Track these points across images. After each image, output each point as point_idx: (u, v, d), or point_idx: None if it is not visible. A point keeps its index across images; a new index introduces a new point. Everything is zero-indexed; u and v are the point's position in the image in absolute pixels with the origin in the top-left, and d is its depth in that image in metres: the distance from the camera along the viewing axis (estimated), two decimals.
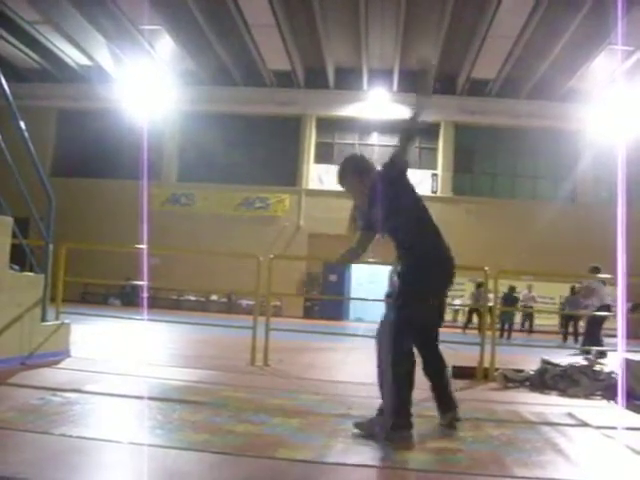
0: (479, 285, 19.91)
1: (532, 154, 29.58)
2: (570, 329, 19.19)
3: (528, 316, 23.05)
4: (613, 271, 9.94)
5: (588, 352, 10.19)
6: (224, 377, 6.61)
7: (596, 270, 12.17)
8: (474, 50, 24.45)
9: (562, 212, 26.45)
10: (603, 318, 12.63)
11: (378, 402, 5.19)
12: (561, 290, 20.28)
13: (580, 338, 17.41)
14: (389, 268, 17.35)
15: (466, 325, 20.86)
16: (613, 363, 7.51)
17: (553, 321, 24.84)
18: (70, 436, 3.70)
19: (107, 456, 3.48)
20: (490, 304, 10.17)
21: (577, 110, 27.01)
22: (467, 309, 22.38)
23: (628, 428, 5.02)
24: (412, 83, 26.12)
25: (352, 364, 9.11)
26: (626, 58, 23.13)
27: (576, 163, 28.15)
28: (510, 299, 19.21)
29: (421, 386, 6.43)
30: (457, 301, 25.37)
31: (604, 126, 25.92)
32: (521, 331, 22.03)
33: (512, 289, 19.51)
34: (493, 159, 30.28)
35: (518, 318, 22.47)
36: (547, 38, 22.58)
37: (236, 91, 28.98)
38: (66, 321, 7.53)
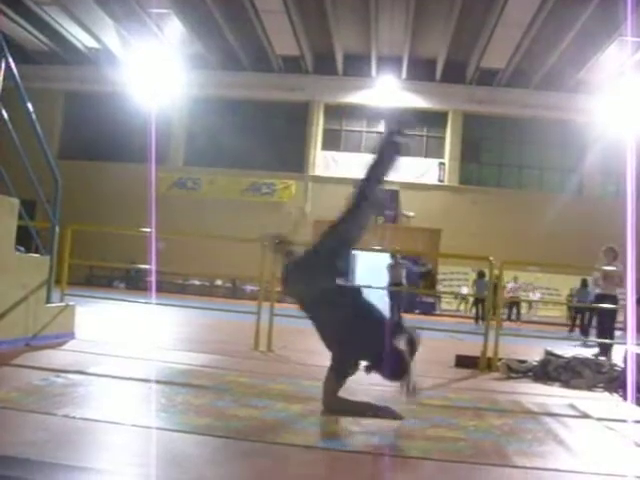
0: (480, 275, 19.88)
1: (540, 145, 29.52)
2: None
3: (516, 306, 23.06)
4: (621, 264, 9.94)
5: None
6: (228, 362, 6.62)
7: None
8: (484, 39, 24.37)
9: (569, 204, 26.39)
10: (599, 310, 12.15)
11: (379, 389, 5.21)
12: (566, 282, 20.26)
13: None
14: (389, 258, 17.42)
15: (477, 316, 20.74)
16: (616, 356, 7.50)
17: (558, 312, 24.88)
18: (73, 417, 3.72)
19: (110, 438, 3.49)
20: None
21: (586, 102, 26.90)
22: (472, 300, 22.33)
23: (631, 421, 5.03)
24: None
25: None
26: (636, 50, 23.02)
27: (584, 155, 28.10)
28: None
29: (422, 374, 6.44)
30: (465, 290, 25.37)
31: (613, 118, 25.81)
32: (511, 321, 22.02)
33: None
34: (500, 149, 30.21)
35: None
36: (557, 29, 22.49)
37: (244, 76, 28.94)
38: (71, 303, 7.55)
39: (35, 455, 2.94)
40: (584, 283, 19.07)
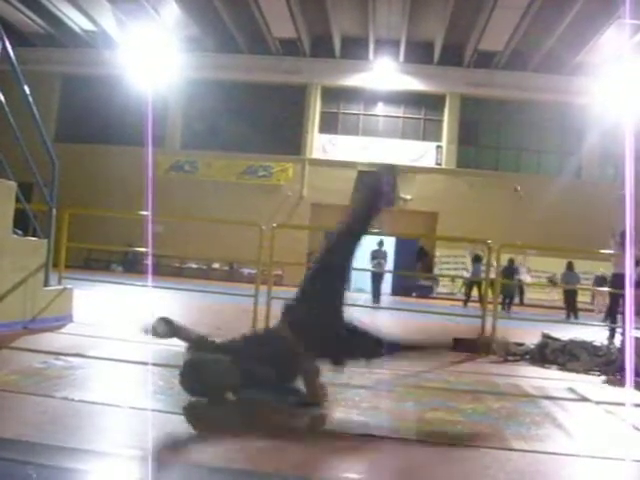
0: (476, 258, 19.83)
1: (538, 128, 29.40)
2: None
3: (519, 289, 23.01)
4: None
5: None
6: None
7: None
8: (482, 21, 24.22)
9: (567, 188, 26.34)
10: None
11: (378, 372, 5.22)
12: (563, 266, 20.22)
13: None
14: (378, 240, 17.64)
15: (467, 299, 20.62)
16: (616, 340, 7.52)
17: (556, 296, 24.90)
18: (72, 399, 3.73)
19: (108, 420, 3.50)
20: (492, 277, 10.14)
21: (585, 84, 26.78)
22: (467, 283, 22.24)
23: (629, 404, 5.04)
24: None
25: None
26: (635, 32, 22.89)
27: (583, 138, 28.00)
28: (510, 272, 19.08)
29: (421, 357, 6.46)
30: (465, 274, 25.34)
31: (612, 101, 25.72)
32: (514, 304, 22.01)
33: (512, 261, 19.41)
34: (498, 132, 30.13)
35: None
36: (555, 11, 22.36)
37: (241, 59, 28.80)
38: (69, 286, 7.55)
39: (34, 437, 2.95)
40: (570, 266, 19.09)
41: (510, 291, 19.09)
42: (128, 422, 3.51)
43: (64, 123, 29.99)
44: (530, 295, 24.55)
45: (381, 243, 17.66)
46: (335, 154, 29.25)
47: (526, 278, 23.19)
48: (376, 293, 18.26)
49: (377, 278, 17.96)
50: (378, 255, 17.70)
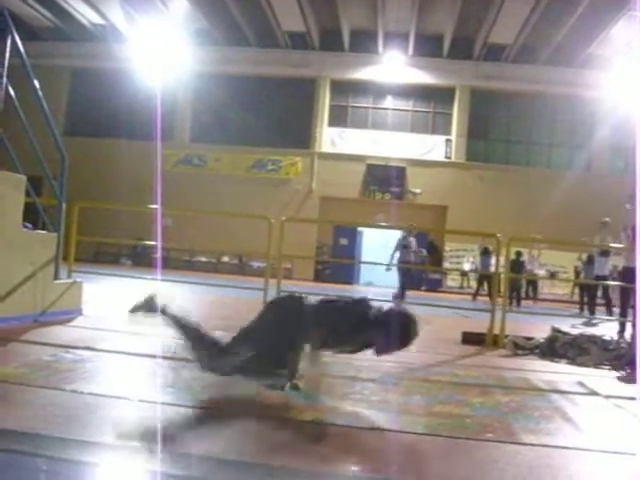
0: (485, 251, 19.70)
1: (548, 121, 29.33)
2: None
3: (532, 283, 22.73)
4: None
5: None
6: None
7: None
8: (492, 14, 24.16)
9: (577, 181, 26.26)
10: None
11: (386, 365, 5.23)
12: (573, 259, 20.12)
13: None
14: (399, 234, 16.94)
15: (476, 293, 20.56)
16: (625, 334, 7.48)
17: (566, 290, 24.86)
18: (81, 392, 3.74)
19: (118, 413, 3.51)
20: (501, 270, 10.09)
21: (595, 77, 26.68)
22: (477, 276, 22.18)
23: (638, 398, 5.03)
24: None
25: None
26: None
27: (593, 131, 27.89)
28: (517, 265, 18.73)
29: (429, 350, 6.47)
30: (467, 267, 25.33)
31: (622, 94, 25.61)
32: (527, 298, 21.86)
33: (518, 254, 18.87)
34: (508, 125, 30.02)
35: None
36: (566, 3, 22.28)
37: (250, 52, 28.81)
38: (78, 280, 7.57)
39: (44, 430, 2.96)
40: (590, 259, 18.70)
41: (517, 285, 18.84)
42: (137, 415, 3.52)
43: (73, 117, 30.09)
44: (541, 289, 24.52)
45: (410, 231, 15.77)
46: (344, 147, 29.24)
47: (540, 272, 23.03)
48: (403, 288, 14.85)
49: (405, 271, 15.23)
50: (409, 244, 15.54)
